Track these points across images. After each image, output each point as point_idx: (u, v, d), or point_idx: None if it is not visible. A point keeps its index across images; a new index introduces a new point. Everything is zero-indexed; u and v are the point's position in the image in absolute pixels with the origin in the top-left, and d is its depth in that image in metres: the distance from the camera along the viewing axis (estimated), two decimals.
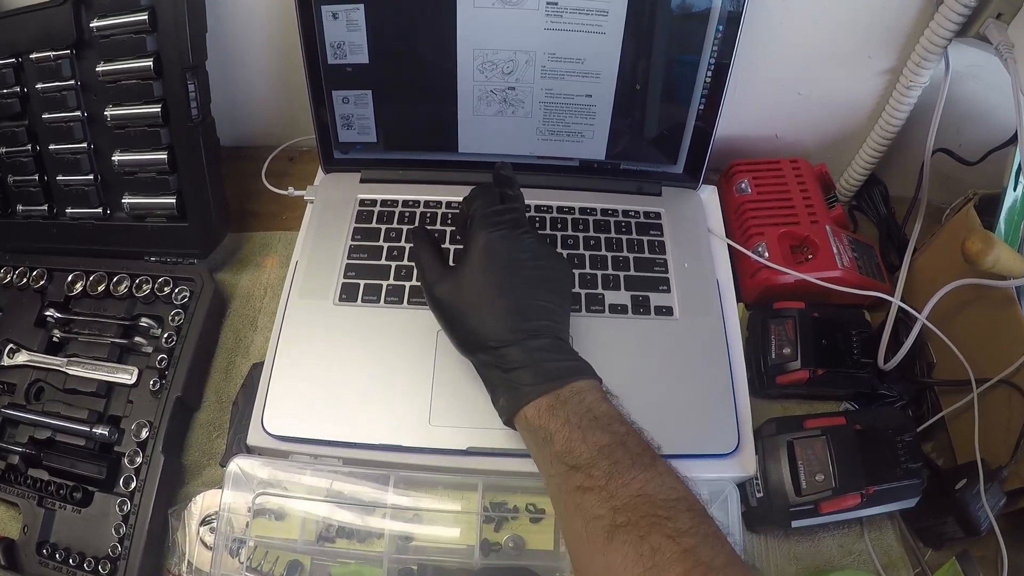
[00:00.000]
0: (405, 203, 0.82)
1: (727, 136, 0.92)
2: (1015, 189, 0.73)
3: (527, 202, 0.70)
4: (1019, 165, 0.73)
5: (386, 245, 0.79)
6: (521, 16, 0.73)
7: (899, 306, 0.77)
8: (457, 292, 0.63)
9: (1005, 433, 0.68)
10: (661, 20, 0.74)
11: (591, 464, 0.53)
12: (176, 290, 0.81)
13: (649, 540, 0.48)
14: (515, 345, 0.59)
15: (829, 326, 0.77)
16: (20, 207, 0.85)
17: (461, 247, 0.71)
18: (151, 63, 0.75)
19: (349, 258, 0.78)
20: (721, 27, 0.74)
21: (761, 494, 0.68)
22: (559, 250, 0.78)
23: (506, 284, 0.62)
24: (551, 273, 0.65)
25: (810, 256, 0.81)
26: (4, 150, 0.82)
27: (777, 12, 0.80)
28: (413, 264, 0.77)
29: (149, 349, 0.78)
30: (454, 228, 0.79)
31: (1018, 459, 0.66)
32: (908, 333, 0.75)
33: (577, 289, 0.75)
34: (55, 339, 0.80)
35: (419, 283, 0.70)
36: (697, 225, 0.82)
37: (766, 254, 0.81)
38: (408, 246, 0.79)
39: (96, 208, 0.83)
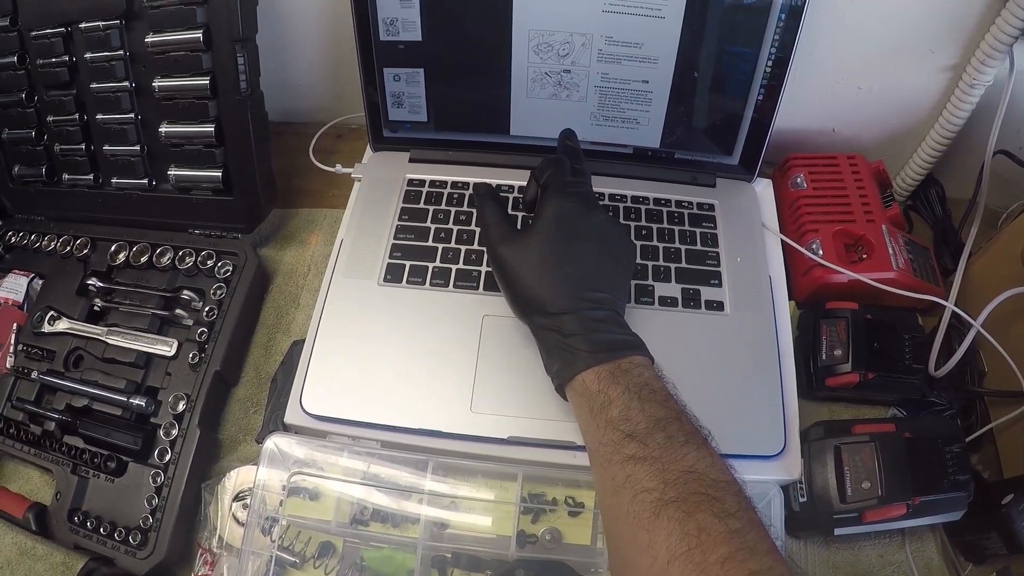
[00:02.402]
0: (454, 184, 0.82)
1: (783, 128, 0.89)
2: None
3: None
4: None
5: (433, 226, 0.78)
6: None
7: (953, 311, 0.75)
8: (522, 254, 0.64)
9: None
10: (722, 6, 0.73)
11: (647, 434, 0.53)
12: (219, 264, 0.81)
13: (696, 518, 0.48)
14: (573, 314, 0.60)
15: (882, 329, 0.75)
16: (66, 176, 0.86)
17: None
18: (200, 35, 0.74)
19: (395, 238, 0.78)
20: (783, 16, 0.72)
21: (805, 499, 0.67)
22: None
23: (572, 253, 0.63)
24: (617, 249, 0.66)
25: (864, 256, 0.79)
26: (52, 119, 0.83)
27: (840, 3, 0.78)
28: (460, 247, 0.76)
29: (190, 322, 0.78)
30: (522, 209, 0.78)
31: None
32: (960, 340, 0.73)
33: None
34: (96, 308, 0.80)
35: (481, 248, 0.74)
36: (751, 219, 0.81)
37: (820, 252, 0.79)
38: (456, 228, 0.78)
39: (142, 179, 0.84)
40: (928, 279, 0.80)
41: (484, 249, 0.75)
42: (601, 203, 0.79)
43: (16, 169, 0.88)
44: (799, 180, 0.86)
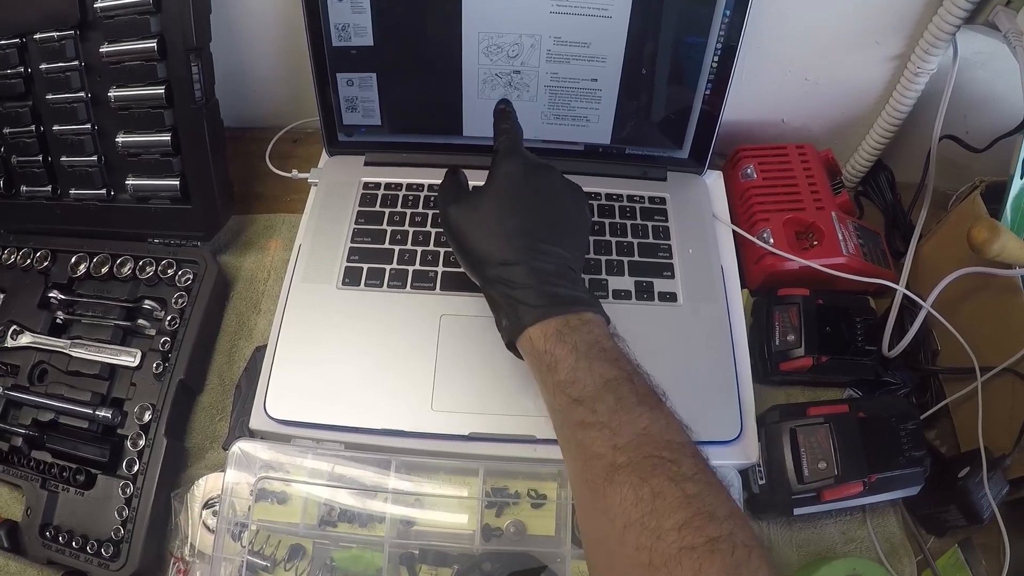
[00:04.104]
0: (409, 187, 0.83)
1: (733, 121, 0.91)
2: (1022, 177, 0.73)
3: None
4: None
5: (389, 229, 0.79)
6: None
7: (904, 293, 0.77)
8: (472, 211, 0.64)
9: (1008, 421, 0.68)
10: (668, 3, 0.74)
11: (595, 398, 0.52)
12: (180, 272, 0.81)
13: (650, 483, 0.47)
14: (521, 264, 0.59)
15: (833, 313, 0.77)
16: (24, 188, 0.85)
17: None
18: (155, 44, 0.74)
19: (352, 242, 0.78)
20: (728, 11, 0.73)
21: (764, 481, 0.69)
22: None
23: (519, 207, 0.63)
24: (571, 207, 0.66)
25: (815, 242, 0.81)
26: (8, 130, 0.82)
27: None
28: (416, 248, 0.77)
29: (152, 331, 0.78)
30: None
31: (1021, 447, 0.66)
32: (913, 320, 0.75)
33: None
34: (58, 321, 0.80)
35: (437, 248, 0.76)
36: (702, 210, 0.82)
37: (771, 240, 0.80)
38: (412, 230, 0.79)
39: (100, 189, 0.83)
40: (879, 263, 0.82)
41: (440, 250, 0.76)
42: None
43: None
44: (749, 171, 0.87)
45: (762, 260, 0.81)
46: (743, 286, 0.80)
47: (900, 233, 0.90)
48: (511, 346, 0.60)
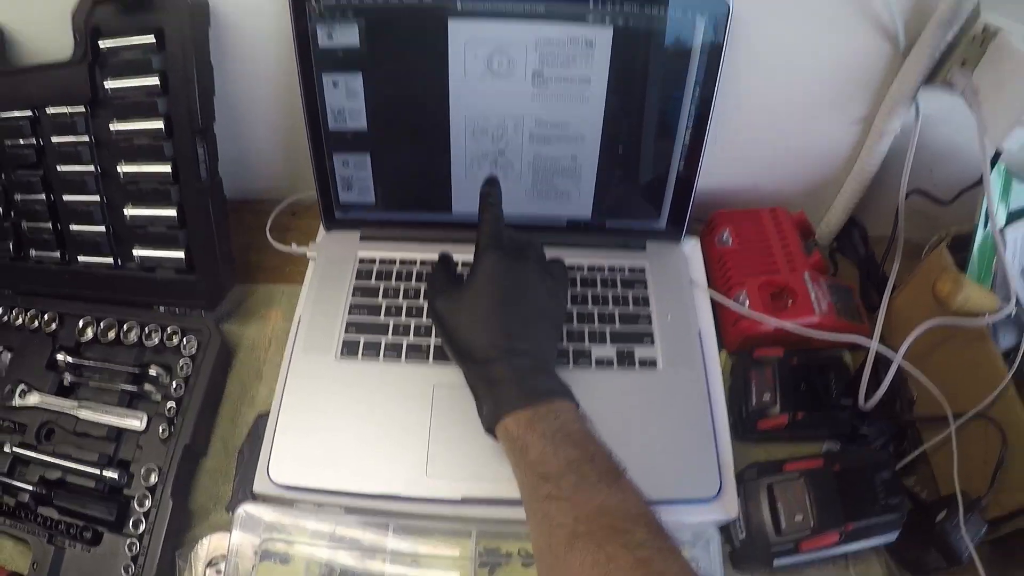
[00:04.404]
0: (402, 262, 0.86)
1: (709, 188, 0.92)
2: (985, 227, 0.76)
3: None
4: (986, 206, 0.75)
5: (384, 302, 0.82)
6: (510, 85, 0.77)
7: (876, 348, 0.79)
8: (455, 306, 0.69)
9: (983, 464, 0.70)
10: (640, 85, 0.77)
11: (560, 476, 0.57)
12: (184, 340, 0.83)
13: (606, 549, 0.51)
14: (500, 361, 0.64)
15: (808, 371, 0.79)
16: (33, 252, 0.87)
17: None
18: (162, 124, 0.77)
19: (350, 315, 0.81)
20: (698, 89, 0.77)
21: (744, 535, 0.71)
22: None
23: (498, 307, 0.67)
24: (544, 303, 0.70)
25: (790, 303, 0.82)
26: (20, 197, 0.84)
27: (752, 70, 0.83)
28: (410, 321, 0.80)
29: (158, 397, 0.80)
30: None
31: (996, 489, 0.68)
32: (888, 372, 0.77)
33: (565, 344, 0.78)
34: (66, 383, 0.81)
35: (429, 321, 0.79)
36: (680, 277, 0.85)
37: (747, 303, 0.83)
38: (405, 303, 0.82)
39: (108, 258, 0.85)
40: (853, 318, 0.84)
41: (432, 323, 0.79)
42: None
43: None
44: (725, 236, 0.90)
45: (739, 323, 0.83)
46: (721, 348, 0.82)
47: (874, 286, 0.92)
48: (489, 431, 0.64)
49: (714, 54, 0.74)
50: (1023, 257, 0.79)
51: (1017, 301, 0.74)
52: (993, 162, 0.75)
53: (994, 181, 0.76)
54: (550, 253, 0.77)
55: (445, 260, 0.77)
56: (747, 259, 0.88)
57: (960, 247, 0.79)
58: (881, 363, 0.80)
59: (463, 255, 0.77)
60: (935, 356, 0.78)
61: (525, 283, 0.69)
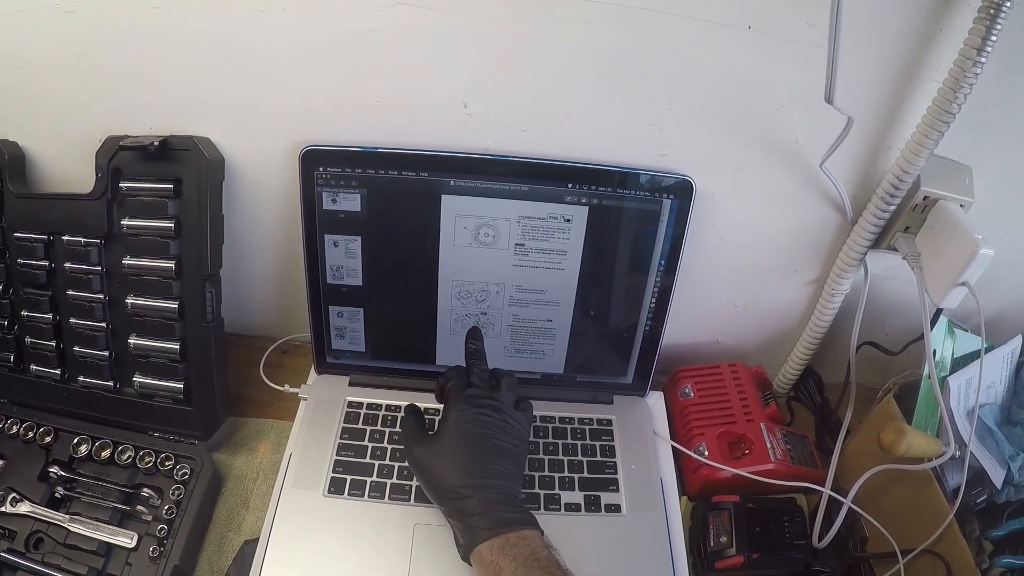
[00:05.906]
0: (388, 407, 0.91)
1: (673, 344, 1.00)
2: (928, 377, 0.81)
3: None
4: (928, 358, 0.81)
5: (370, 445, 0.87)
6: (494, 254, 0.85)
7: (828, 493, 0.84)
8: (430, 454, 0.75)
9: None
10: (611, 256, 0.86)
11: None
12: (177, 466, 0.85)
13: None
14: (472, 498, 0.71)
15: (762, 514, 0.84)
16: (34, 367, 0.89)
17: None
18: (172, 265, 0.82)
19: (337, 455, 0.85)
20: (664, 258, 0.85)
21: None
22: None
23: (468, 453, 0.74)
24: (508, 444, 0.76)
25: (747, 451, 0.88)
26: (26, 314, 0.87)
27: (714, 239, 0.89)
28: (394, 464, 0.85)
29: (149, 517, 0.82)
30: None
31: None
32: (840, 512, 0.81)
33: (536, 490, 0.84)
34: (57, 495, 0.83)
35: (398, 479, 0.83)
36: (644, 429, 0.92)
37: (706, 452, 0.88)
38: (390, 447, 0.87)
39: (107, 381, 0.88)
40: (807, 463, 0.89)
41: None
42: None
43: None
44: (687, 390, 0.96)
45: (699, 470, 0.89)
46: (682, 493, 0.88)
47: (829, 431, 0.97)
48: (465, 559, 0.71)
49: (679, 228, 0.83)
50: (968, 400, 0.83)
51: (962, 442, 0.79)
52: (935, 319, 0.82)
53: (936, 335, 0.82)
54: None
55: (414, 411, 0.82)
56: (707, 411, 0.94)
57: (909, 394, 0.84)
58: (834, 504, 0.84)
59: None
60: (885, 497, 0.83)
61: (492, 428, 0.76)
